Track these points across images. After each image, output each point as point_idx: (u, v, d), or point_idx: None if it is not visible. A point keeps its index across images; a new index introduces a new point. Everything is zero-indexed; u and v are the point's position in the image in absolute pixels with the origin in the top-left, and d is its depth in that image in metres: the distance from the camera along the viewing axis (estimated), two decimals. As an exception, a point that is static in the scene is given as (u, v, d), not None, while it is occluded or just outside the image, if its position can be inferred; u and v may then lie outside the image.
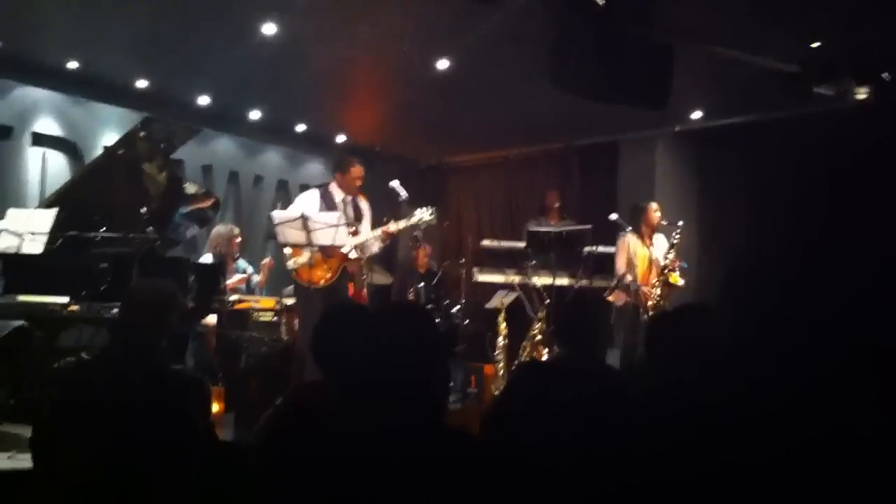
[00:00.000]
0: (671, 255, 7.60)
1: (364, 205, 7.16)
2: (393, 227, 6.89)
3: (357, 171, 7.02)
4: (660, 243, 7.83)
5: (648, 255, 7.69)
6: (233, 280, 8.06)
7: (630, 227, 7.78)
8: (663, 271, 7.53)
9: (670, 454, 1.76)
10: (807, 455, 1.52)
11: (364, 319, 3.27)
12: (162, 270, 5.69)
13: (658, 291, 7.47)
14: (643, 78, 6.20)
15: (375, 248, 7.00)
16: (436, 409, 2.27)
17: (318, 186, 7.25)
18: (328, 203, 6.94)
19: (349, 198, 7.04)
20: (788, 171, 8.41)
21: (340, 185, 7.03)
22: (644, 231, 7.80)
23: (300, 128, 10.49)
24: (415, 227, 7.01)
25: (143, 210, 6.37)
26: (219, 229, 8.21)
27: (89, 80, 8.65)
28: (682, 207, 9.64)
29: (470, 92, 8.38)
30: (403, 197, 7.00)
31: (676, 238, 7.65)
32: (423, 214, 6.94)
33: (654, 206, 7.89)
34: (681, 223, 7.73)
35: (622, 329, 7.78)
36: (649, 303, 7.45)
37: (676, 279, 7.52)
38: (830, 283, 1.64)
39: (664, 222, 7.84)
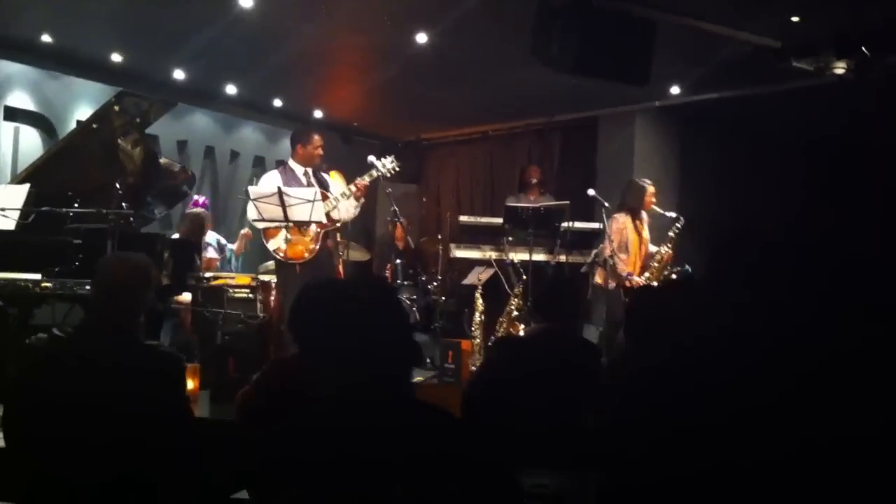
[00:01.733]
0: (665, 249, 7.59)
1: (326, 176, 7.11)
2: (360, 180, 6.83)
3: (318, 140, 6.97)
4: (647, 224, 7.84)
5: (639, 240, 7.68)
6: (209, 255, 8.03)
7: (620, 205, 7.77)
8: (663, 269, 7.53)
9: (648, 426, 1.74)
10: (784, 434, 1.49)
11: (341, 295, 3.24)
12: (136, 246, 5.63)
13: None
14: (625, 53, 6.18)
15: (353, 209, 6.92)
16: (400, 381, 2.23)
17: (277, 165, 7.18)
18: (290, 179, 6.87)
19: (310, 170, 6.97)
20: (769, 147, 8.42)
21: (301, 158, 6.95)
22: (636, 212, 7.75)
23: (277, 103, 10.39)
24: (384, 176, 6.93)
25: (118, 186, 6.30)
26: (190, 214, 8.18)
27: (63, 53, 8.53)
28: (662, 183, 9.65)
29: (449, 67, 8.33)
30: (378, 163, 6.92)
31: (674, 233, 7.61)
32: (386, 163, 6.89)
33: (651, 189, 7.76)
34: (681, 220, 7.62)
35: (600, 305, 7.80)
36: None
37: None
38: (813, 254, 1.62)
39: (663, 212, 7.78)
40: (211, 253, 8.27)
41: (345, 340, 2.22)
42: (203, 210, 8.31)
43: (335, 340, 2.27)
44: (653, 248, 7.74)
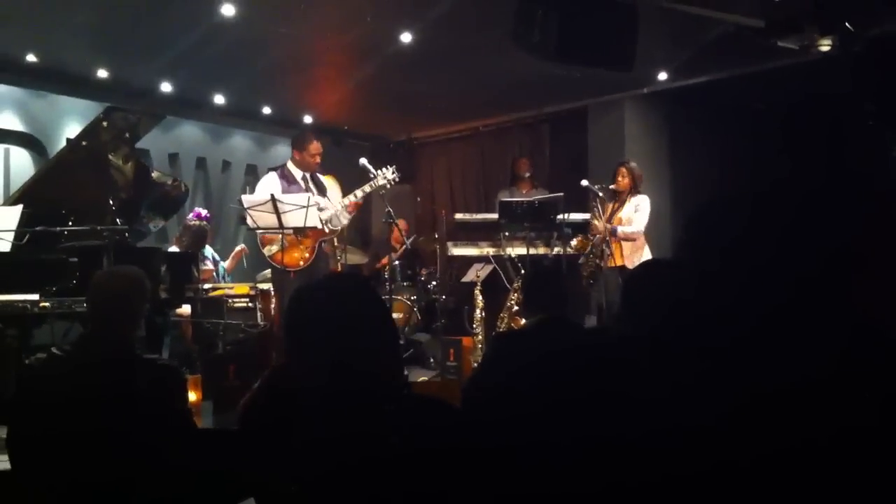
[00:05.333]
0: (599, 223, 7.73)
1: (325, 179, 7.14)
2: (359, 193, 6.88)
3: (315, 147, 7.00)
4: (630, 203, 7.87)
5: (601, 223, 7.76)
6: (206, 267, 8.04)
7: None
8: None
9: (649, 411, 1.74)
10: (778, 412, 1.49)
11: (335, 297, 3.24)
12: (133, 261, 5.61)
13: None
14: (608, 39, 6.15)
15: (344, 219, 6.96)
16: (393, 376, 2.23)
17: (275, 168, 7.21)
18: (289, 183, 6.89)
19: (308, 174, 7.01)
20: (757, 127, 8.42)
21: (300, 164, 6.99)
22: (606, 197, 7.83)
23: (266, 110, 10.39)
24: (381, 189, 6.97)
25: (111, 201, 6.31)
26: (193, 227, 8.20)
27: (49, 72, 8.54)
28: (652, 169, 9.65)
29: (435, 64, 8.31)
30: (373, 174, 6.97)
31: (597, 203, 7.77)
32: (386, 174, 6.92)
33: (623, 169, 7.90)
34: (594, 187, 7.75)
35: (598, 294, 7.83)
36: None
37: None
38: (801, 235, 1.62)
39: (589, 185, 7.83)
40: (207, 265, 8.28)
41: (332, 342, 2.22)
42: (205, 223, 8.34)
43: (322, 343, 2.27)
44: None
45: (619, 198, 7.84)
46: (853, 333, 1.52)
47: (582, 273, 7.62)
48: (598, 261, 7.60)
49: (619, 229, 7.66)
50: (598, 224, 7.67)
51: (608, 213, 7.77)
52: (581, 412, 1.92)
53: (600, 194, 7.78)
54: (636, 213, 7.75)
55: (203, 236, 8.19)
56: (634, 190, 7.83)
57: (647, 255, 7.61)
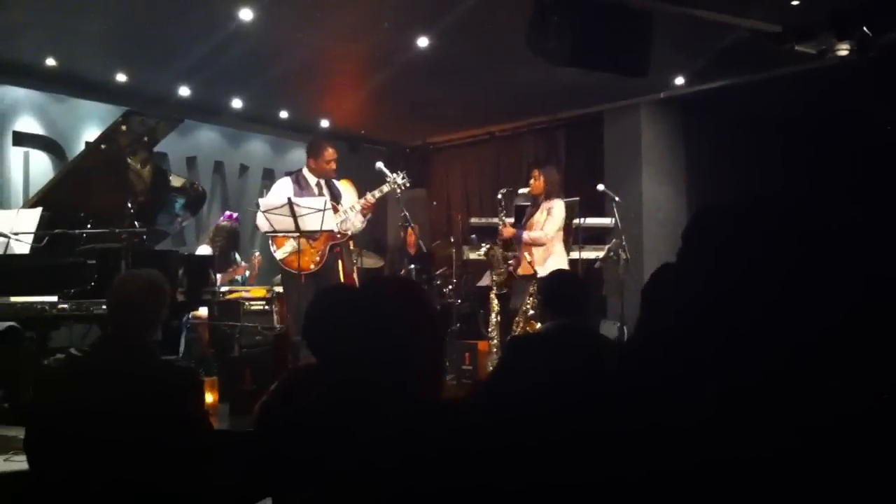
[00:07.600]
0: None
1: (339, 184, 7.15)
2: (370, 196, 6.88)
3: (330, 153, 7.00)
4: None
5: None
6: (230, 271, 8.10)
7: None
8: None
9: (662, 414, 1.74)
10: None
11: (355, 301, 3.25)
12: (150, 264, 5.66)
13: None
14: (622, 45, 6.16)
15: (359, 223, 6.97)
16: (430, 385, 2.25)
17: (291, 173, 7.22)
18: (303, 188, 6.91)
19: (322, 180, 7.02)
20: (774, 132, 8.41)
21: (314, 170, 7.00)
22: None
23: (283, 115, 10.44)
24: (394, 192, 6.99)
25: (129, 204, 6.34)
26: (226, 227, 8.28)
27: (68, 76, 8.62)
28: (668, 174, 9.65)
29: (451, 70, 8.35)
30: (390, 178, 6.98)
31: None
32: (397, 178, 6.93)
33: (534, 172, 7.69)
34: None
35: (615, 299, 7.79)
36: None
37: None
38: (819, 239, 1.62)
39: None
40: (241, 263, 8.37)
41: (358, 345, 2.24)
42: (236, 224, 8.48)
43: (349, 346, 2.28)
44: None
45: (533, 202, 7.60)
46: (856, 332, 1.53)
47: (493, 280, 7.49)
48: (508, 267, 7.46)
49: (525, 234, 7.37)
50: (504, 230, 7.57)
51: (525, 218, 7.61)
52: (596, 417, 1.92)
53: (616, 199, 7.76)
54: (547, 217, 7.44)
55: (237, 235, 8.44)
56: (548, 195, 7.49)
57: (560, 261, 7.32)
